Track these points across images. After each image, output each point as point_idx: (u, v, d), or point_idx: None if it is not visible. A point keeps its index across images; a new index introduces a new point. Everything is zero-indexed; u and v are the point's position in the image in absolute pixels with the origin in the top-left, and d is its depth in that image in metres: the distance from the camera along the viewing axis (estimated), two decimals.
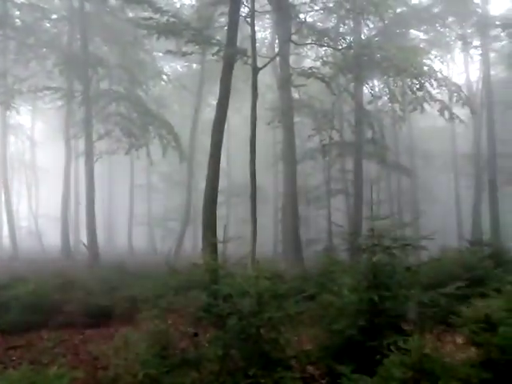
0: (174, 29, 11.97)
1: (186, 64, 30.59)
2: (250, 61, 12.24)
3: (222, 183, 31.27)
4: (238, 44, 13.45)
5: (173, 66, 33.23)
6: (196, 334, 6.69)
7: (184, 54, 12.69)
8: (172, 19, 12.38)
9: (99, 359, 6.36)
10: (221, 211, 31.47)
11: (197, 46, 13.31)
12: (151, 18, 12.11)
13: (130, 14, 21.48)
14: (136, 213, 32.99)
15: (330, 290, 6.80)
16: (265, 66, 12.43)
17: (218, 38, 14.56)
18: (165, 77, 24.73)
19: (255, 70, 11.94)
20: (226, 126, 30.32)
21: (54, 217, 30.73)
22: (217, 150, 11.84)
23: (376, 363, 4.44)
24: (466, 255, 11.75)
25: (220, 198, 31.78)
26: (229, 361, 5.39)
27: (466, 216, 26.66)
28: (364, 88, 19.27)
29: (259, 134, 23.84)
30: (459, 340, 7.28)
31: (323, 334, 6.12)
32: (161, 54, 23.33)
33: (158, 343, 5.88)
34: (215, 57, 12.44)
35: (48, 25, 21.91)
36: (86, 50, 19.55)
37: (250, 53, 12.28)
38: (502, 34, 22.53)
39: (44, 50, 20.45)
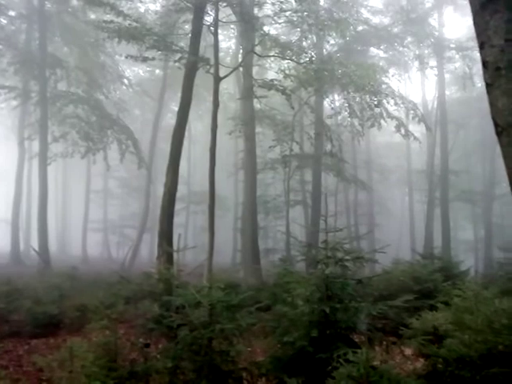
0: (135, 33, 11.81)
1: (149, 69, 30.26)
2: (212, 69, 12.23)
3: (182, 191, 31.11)
4: (201, 52, 13.44)
5: (135, 71, 32.76)
6: (148, 345, 6.54)
7: (145, 60, 12.53)
8: (134, 24, 12.23)
9: (43, 371, 6.10)
10: (180, 219, 31.20)
11: (159, 52, 13.21)
12: (112, 22, 11.92)
13: (92, 16, 21.08)
14: (91, 219, 32.08)
15: (283, 301, 6.82)
16: (227, 75, 12.46)
17: (181, 45, 14.52)
18: (126, 81, 24.35)
19: (217, 79, 11.94)
20: (187, 134, 30.11)
21: (4, 220, 29.44)
22: (176, 157, 11.71)
23: (326, 375, 4.46)
24: (417, 268, 12.07)
25: (179, 206, 31.49)
26: (179, 373, 5.30)
27: (420, 230, 27.54)
28: (324, 102, 19.68)
29: (221, 142, 23.87)
30: (409, 351, 7.44)
31: (275, 346, 6.12)
32: (123, 58, 22.97)
33: (107, 354, 5.70)
34: (177, 64, 12.37)
35: (5, 21, 21.12)
36: (44, 50, 18.98)
37: (212, 62, 12.28)
38: (456, 56, 23.61)
39: None
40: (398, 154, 30.93)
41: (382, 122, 17.16)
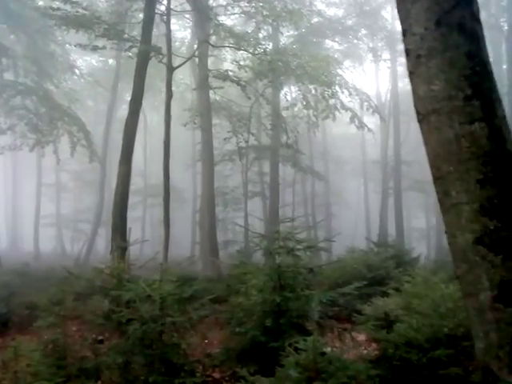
0: (84, 21, 11.41)
1: (102, 59, 29.36)
2: (165, 59, 12.00)
3: (139, 183, 30.51)
4: (155, 42, 13.15)
5: (87, 60, 31.71)
6: (101, 341, 6.39)
7: (95, 49, 12.13)
8: (83, 11, 11.80)
9: None
10: (138, 213, 30.63)
11: (110, 41, 12.81)
12: (59, 9, 11.45)
13: (40, 2, 20.16)
14: (44, 213, 30.97)
15: (238, 292, 6.84)
16: (180, 65, 12.27)
17: (135, 34, 14.15)
18: (77, 71, 23.53)
19: (170, 69, 11.74)
20: (143, 125, 29.41)
21: None
22: (129, 148, 11.44)
23: (278, 364, 4.50)
24: (371, 256, 12.38)
25: (136, 199, 30.86)
26: (130, 368, 5.21)
27: (375, 219, 28.26)
28: (281, 94, 19.75)
29: (178, 134, 23.59)
30: (362, 337, 7.63)
31: (229, 337, 6.13)
32: (74, 47, 22.15)
33: (55, 352, 5.54)
34: (129, 53, 12.06)
35: None
36: None
37: (165, 51, 12.05)
38: None
39: None
40: (354, 145, 31.52)
41: (337, 113, 17.39)
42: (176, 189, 26.11)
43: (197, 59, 16.12)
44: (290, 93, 22.46)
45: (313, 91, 15.86)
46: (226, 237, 25.22)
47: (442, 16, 1.88)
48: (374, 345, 6.70)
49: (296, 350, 4.29)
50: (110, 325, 6.11)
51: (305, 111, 18.17)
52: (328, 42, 23.11)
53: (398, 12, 2.06)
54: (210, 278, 11.54)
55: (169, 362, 5.16)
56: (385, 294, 7.94)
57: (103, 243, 29.48)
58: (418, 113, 2.03)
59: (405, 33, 2.06)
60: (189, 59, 13.14)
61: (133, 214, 29.43)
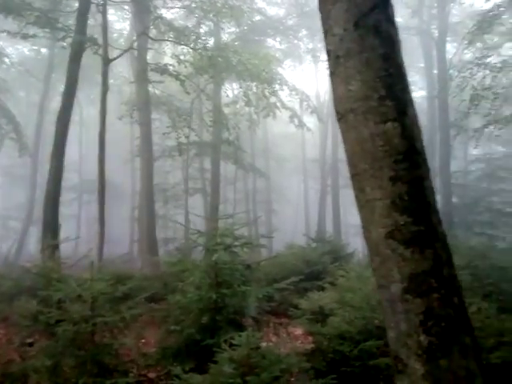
0: (12, 7, 10.76)
1: (35, 48, 27.87)
2: (101, 51, 11.60)
3: (74, 179, 29.30)
4: (92, 32, 12.68)
5: (19, 49, 29.98)
6: (31, 344, 6.11)
7: (25, 37, 11.51)
8: None
9: None
10: (73, 209, 29.42)
11: (42, 30, 12.20)
12: None
13: None
14: None
15: (174, 290, 6.76)
16: (117, 57, 11.91)
17: (70, 23, 13.55)
18: (7, 59, 22.19)
19: (106, 61, 11.36)
20: (78, 118, 28.19)
21: None
22: (61, 141, 10.95)
23: (214, 361, 4.50)
24: (308, 252, 12.65)
25: (71, 195, 29.57)
26: (60, 371, 5.02)
27: (314, 215, 28.94)
28: (222, 90, 19.71)
29: (116, 128, 22.88)
30: (299, 331, 7.79)
31: (165, 335, 6.05)
32: (4, 34, 20.85)
33: None
34: (63, 43, 11.55)
35: None
36: None
37: (101, 42, 11.65)
38: None
39: None
40: (294, 143, 32.06)
41: (278, 112, 17.61)
42: (114, 185, 25.33)
43: (135, 52, 15.69)
44: (231, 89, 22.49)
45: (254, 89, 15.96)
46: (167, 234, 24.82)
47: (359, 18, 1.96)
48: (310, 338, 6.85)
49: (231, 345, 4.32)
50: (39, 326, 5.86)
51: (246, 108, 18.23)
52: (269, 41, 23.31)
53: (320, 12, 2.12)
54: (148, 276, 11.31)
55: (101, 363, 5.03)
56: (321, 289, 8.15)
57: (35, 242, 28.07)
58: (337, 112, 2.11)
59: (326, 33, 2.12)
60: (126, 51, 12.77)
61: (68, 212, 28.28)
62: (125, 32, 26.49)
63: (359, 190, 2.05)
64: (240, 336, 4.35)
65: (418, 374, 1.78)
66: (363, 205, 2.02)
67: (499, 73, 13.57)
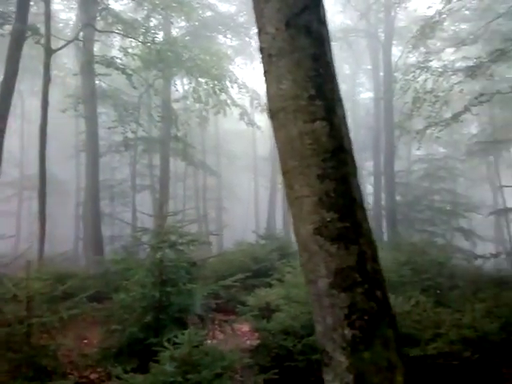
0: None
1: None
2: (43, 40, 11.12)
3: (14, 174, 27.90)
4: (34, 21, 12.13)
5: None
6: None
7: None
8: None
9: None
10: (13, 206, 28.02)
11: None
12: None
13: None
14: None
15: (118, 289, 6.61)
16: (60, 48, 11.47)
17: (11, 9, 12.86)
18: None
19: (48, 52, 10.89)
20: (20, 111, 26.87)
21: None
22: None
23: (157, 360, 4.44)
24: (257, 249, 12.75)
25: (11, 192, 28.14)
26: None
27: (264, 213, 29.15)
28: (172, 86, 19.41)
29: (61, 122, 21.98)
30: (246, 328, 7.82)
31: (106, 335, 5.91)
32: None
33: None
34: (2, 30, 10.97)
35: None
36: None
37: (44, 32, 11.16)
38: None
39: None
40: (245, 141, 32.13)
41: (228, 109, 17.58)
42: (57, 181, 24.38)
43: (81, 43, 15.14)
44: (182, 85, 22.21)
45: (204, 85, 15.83)
46: (113, 232, 24.18)
47: (291, 18, 1.99)
48: (256, 335, 6.90)
49: (174, 344, 4.27)
50: None
51: (197, 105, 18.07)
52: (221, 38, 23.20)
53: (254, 11, 2.14)
54: (92, 274, 10.99)
55: (37, 365, 4.84)
56: (268, 285, 8.22)
57: None
58: (269, 110, 2.13)
59: (259, 32, 2.15)
60: (70, 42, 12.31)
61: (7, 208, 26.95)
62: (71, 22, 25.51)
63: (289, 187, 2.09)
64: (183, 334, 4.32)
65: (342, 366, 1.83)
66: (292, 202, 2.06)
67: (440, 77, 14.20)
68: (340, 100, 2.11)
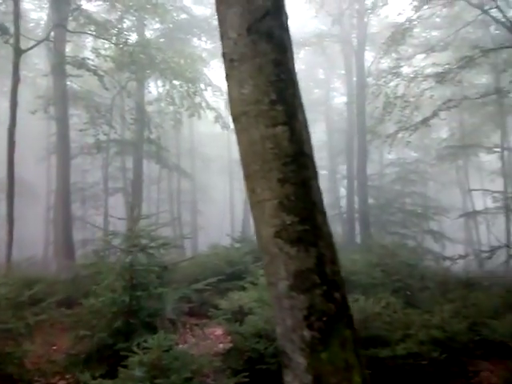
0: None
1: None
2: (12, 40, 10.87)
3: None
4: (2, 20, 11.83)
5: None
6: None
7: None
8: None
9: None
10: None
11: None
12: None
13: None
14: None
15: (88, 294, 6.50)
16: (30, 48, 11.23)
17: None
18: None
19: (18, 52, 10.66)
20: None
21: None
22: None
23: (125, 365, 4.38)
24: (231, 252, 12.72)
25: None
26: None
27: (239, 216, 29.13)
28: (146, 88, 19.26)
29: (31, 123, 21.49)
30: (219, 332, 7.79)
31: (76, 341, 5.80)
32: None
33: None
34: None
35: None
36: None
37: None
38: None
39: None
40: (220, 143, 32.08)
41: (203, 112, 17.52)
42: (27, 183, 23.82)
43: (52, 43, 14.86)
44: (156, 87, 22.04)
45: (178, 88, 15.74)
46: (85, 235, 23.75)
47: (252, 24, 2.01)
48: (230, 338, 6.87)
49: (144, 349, 4.23)
50: None
51: (171, 107, 17.95)
52: (195, 41, 23.14)
53: (217, 15, 2.16)
54: (61, 279, 10.77)
55: (2, 373, 4.72)
56: (242, 288, 8.21)
57: None
58: (231, 114, 2.15)
59: (222, 36, 2.16)
60: (40, 42, 12.08)
61: None
62: (42, 22, 25.01)
63: (251, 191, 2.11)
64: (153, 339, 4.28)
65: (301, 367, 1.86)
66: (254, 205, 2.08)
67: (411, 82, 14.51)
68: (301, 105, 2.15)
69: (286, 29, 2.10)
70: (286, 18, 2.13)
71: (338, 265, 2.02)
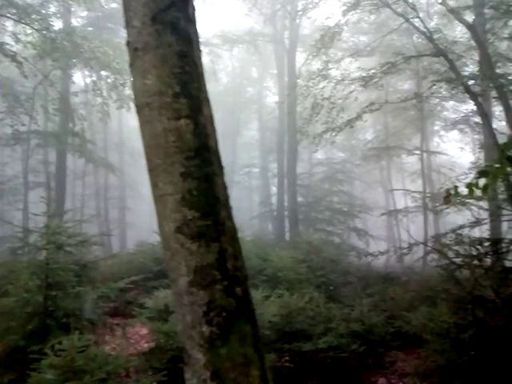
0: None
1: None
2: None
3: None
4: None
5: None
6: None
7: None
8: None
9: None
10: None
11: None
12: None
13: None
14: None
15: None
16: None
17: None
18: None
19: None
20: None
21: None
22: None
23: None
24: (158, 250, 12.48)
25: None
26: None
27: None
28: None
29: None
30: (144, 331, 7.61)
31: None
32: None
33: None
34: None
35: None
36: None
37: None
38: (204, 51, 25.14)
39: None
40: None
41: (132, 104, 16.98)
42: None
43: None
44: (83, 78, 21.10)
45: (109, 80, 15.13)
46: (3, 232, 22.27)
47: (157, 13, 1.97)
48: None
49: (60, 351, 4.05)
50: None
51: (98, 99, 17.23)
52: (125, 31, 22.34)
53: (122, 3, 2.09)
54: None
55: None
56: (169, 286, 8.07)
57: None
58: (135, 105, 2.10)
59: (127, 24, 2.11)
60: None
61: None
62: None
63: (154, 185, 2.07)
64: (67, 340, 4.10)
65: (200, 363, 1.85)
66: (157, 199, 2.04)
67: (338, 85, 15.00)
68: (207, 99, 2.13)
69: (192, 21, 2.07)
70: (193, 11, 2.10)
71: (242, 260, 2.03)
